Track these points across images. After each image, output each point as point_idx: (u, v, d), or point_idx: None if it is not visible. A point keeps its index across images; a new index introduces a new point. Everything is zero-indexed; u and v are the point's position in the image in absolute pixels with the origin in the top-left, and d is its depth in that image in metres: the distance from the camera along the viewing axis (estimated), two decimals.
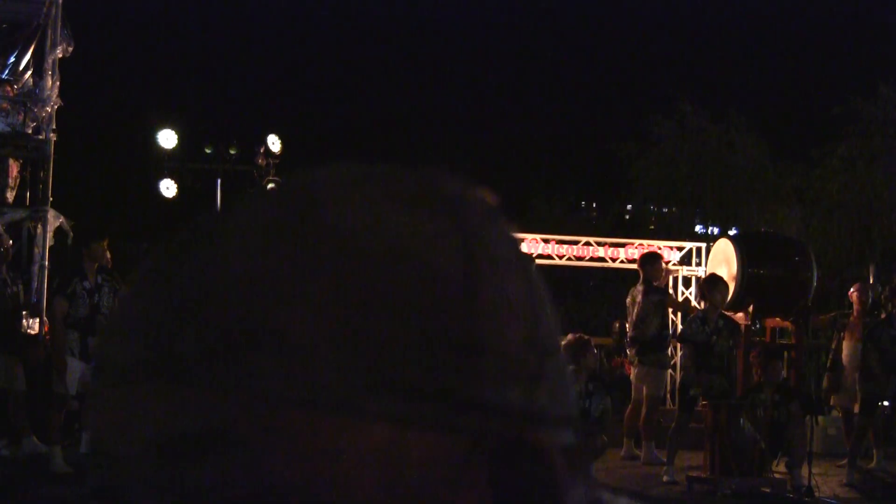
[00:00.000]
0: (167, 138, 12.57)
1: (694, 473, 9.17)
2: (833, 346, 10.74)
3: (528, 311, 0.54)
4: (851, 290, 10.82)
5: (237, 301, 0.51)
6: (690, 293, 12.73)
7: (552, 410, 0.54)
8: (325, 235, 0.51)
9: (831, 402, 11.21)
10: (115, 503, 0.52)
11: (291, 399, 0.49)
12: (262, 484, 0.50)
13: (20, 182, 11.90)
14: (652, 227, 23.94)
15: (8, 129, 11.47)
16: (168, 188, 12.72)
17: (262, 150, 12.82)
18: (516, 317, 0.53)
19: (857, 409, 10.17)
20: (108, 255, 9.44)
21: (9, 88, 11.75)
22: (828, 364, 10.95)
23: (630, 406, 10.43)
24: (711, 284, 9.77)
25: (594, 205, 31.35)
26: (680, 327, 11.49)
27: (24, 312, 10.25)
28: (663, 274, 11.29)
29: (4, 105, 11.56)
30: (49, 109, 11.68)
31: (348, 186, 0.54)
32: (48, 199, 11.62)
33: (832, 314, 11.22)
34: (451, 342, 0.50)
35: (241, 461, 0.50)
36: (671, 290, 12.17)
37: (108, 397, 0.53)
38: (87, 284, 9.02)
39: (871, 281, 11.09)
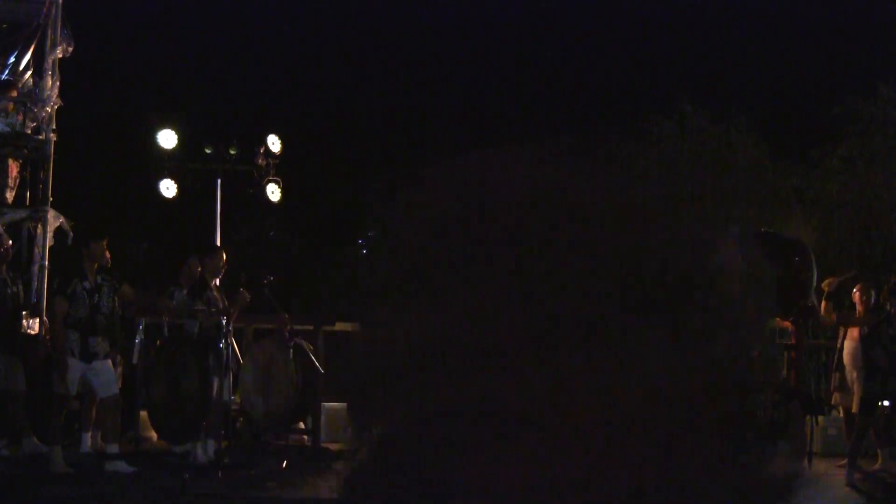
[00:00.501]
0: (167, 138, 12.55)
1: None
2: (838, 346, 10.74)
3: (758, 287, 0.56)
4: (854, 290, 10.81)
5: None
6: None
7: (768, 377, 0.56)
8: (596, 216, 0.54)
9: (833, 402, 11.20)
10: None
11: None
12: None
13: (20, 182, 11.89)
14: None
15: (8, 129, 11.46)
16: (168, 188, 12.70)
17: (262, 150, 12.80)
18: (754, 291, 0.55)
19: (854, 408, 10.17)
20: (108, 254, 9.45)
21: (15, 92, 11.75)
22: (834, 364, 10.93)
23: None
24: None
25: None
26: None
27: (24, 312, 10.25)
28: None
29: (11, 107, 11.56)
30: (49, 109, 11.67)
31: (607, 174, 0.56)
32: (48, 199, 11.62)
33: (842, 311, 11.19)
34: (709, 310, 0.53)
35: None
36: None
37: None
38: (87, 285, 9.03)
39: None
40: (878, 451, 10.35)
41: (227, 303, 9.97)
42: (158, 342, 10.26)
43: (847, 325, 10.60)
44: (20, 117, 11.53)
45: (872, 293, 10.54)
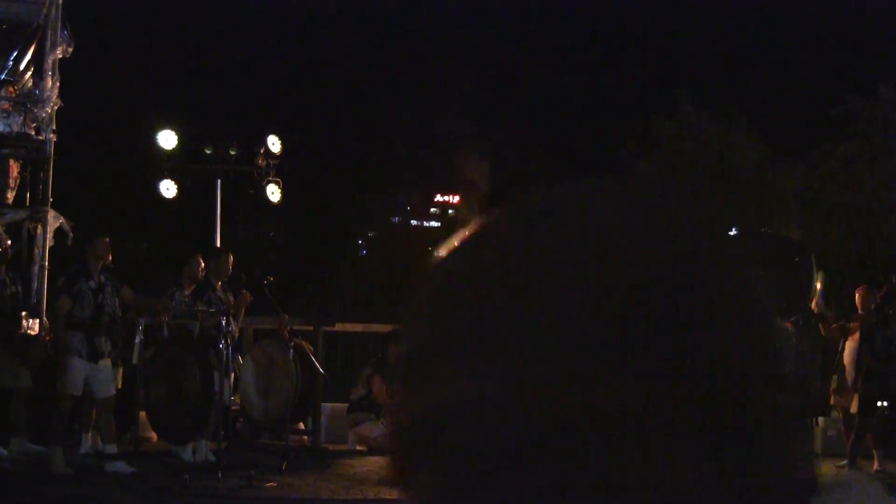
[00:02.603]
0: (167, 138, 12.54)
1: None
2: (839, 348, 10.78)
3: (756, 293, 0.60)
4: (856, 291, 10.86)
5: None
6: None
7: (792, 376, 0.59)
8: (581, 237, 0.57)
9: (832, 403, 11.21)
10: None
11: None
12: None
13: (20, 182, 11.89)
14: None
15: (9, 129, 11.46)
16: (168, 188, 12.69)
17: (262, 151, 12.79)
18: (742, 297, 0.59)
19: (853, 408, 10.22)
20: (109, 253, 9.45)
21: (12, 89, 11.74)
22: (835, 365, 10.94)
23: None
24: None
25: None
26: None
27: (24, 313, 10.24)
28: None
29: (6, 106, 11.55)
30: (49, 110, 11.66)
31: (600, 195, 0.60)
32: (48, 199, 11.61)
33: (841, 322, 11.21)
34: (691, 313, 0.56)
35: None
36: None
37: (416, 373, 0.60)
38: (92, 283, 9.04)
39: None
40: (874, 453, 10.37)
41: (234, 302, 9.99)
42: (159, 342, 10.25)
43: (838, 338, 10.77)
44: (20, 118, 11.52)
45: (876, 296, 10.63)
